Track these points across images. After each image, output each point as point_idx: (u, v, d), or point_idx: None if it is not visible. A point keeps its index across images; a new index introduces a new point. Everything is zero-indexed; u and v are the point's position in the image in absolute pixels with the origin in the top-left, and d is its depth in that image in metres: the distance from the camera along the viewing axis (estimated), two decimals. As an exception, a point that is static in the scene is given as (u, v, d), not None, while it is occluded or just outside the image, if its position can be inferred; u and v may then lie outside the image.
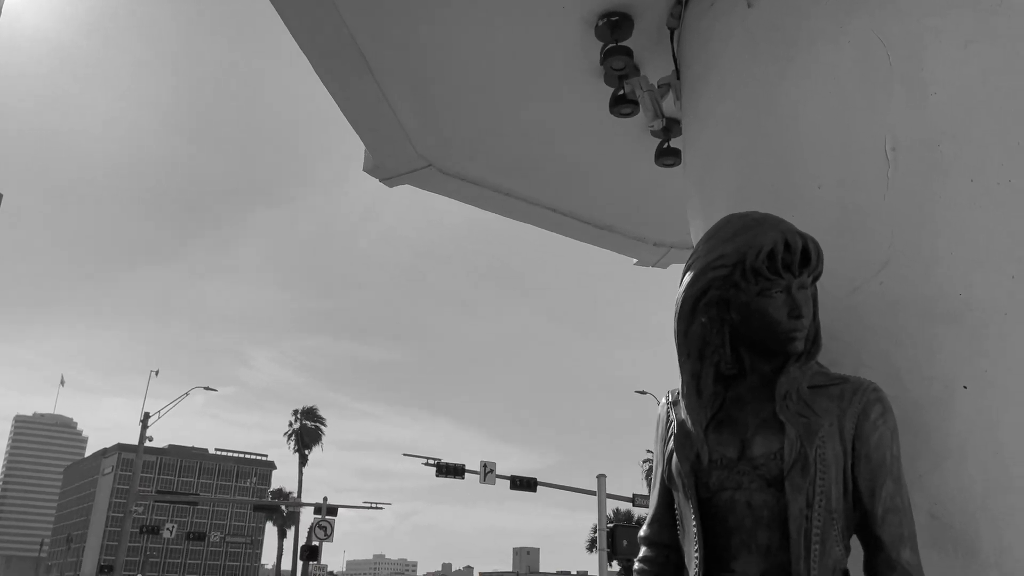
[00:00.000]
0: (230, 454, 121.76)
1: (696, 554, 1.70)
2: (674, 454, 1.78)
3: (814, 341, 1.79)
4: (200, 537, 60.05)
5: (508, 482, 33.72)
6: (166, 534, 48.30)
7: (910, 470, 1.82)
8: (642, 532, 1.90)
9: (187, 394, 37.45)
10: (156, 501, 76.38)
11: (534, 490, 34.85)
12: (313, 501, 37.83)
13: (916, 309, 1.91)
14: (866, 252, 2.02)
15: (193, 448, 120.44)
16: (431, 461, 34.48)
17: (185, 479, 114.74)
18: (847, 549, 1.66)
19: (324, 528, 26.12)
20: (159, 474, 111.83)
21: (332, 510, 31.47)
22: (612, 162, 3.89)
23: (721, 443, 1.73)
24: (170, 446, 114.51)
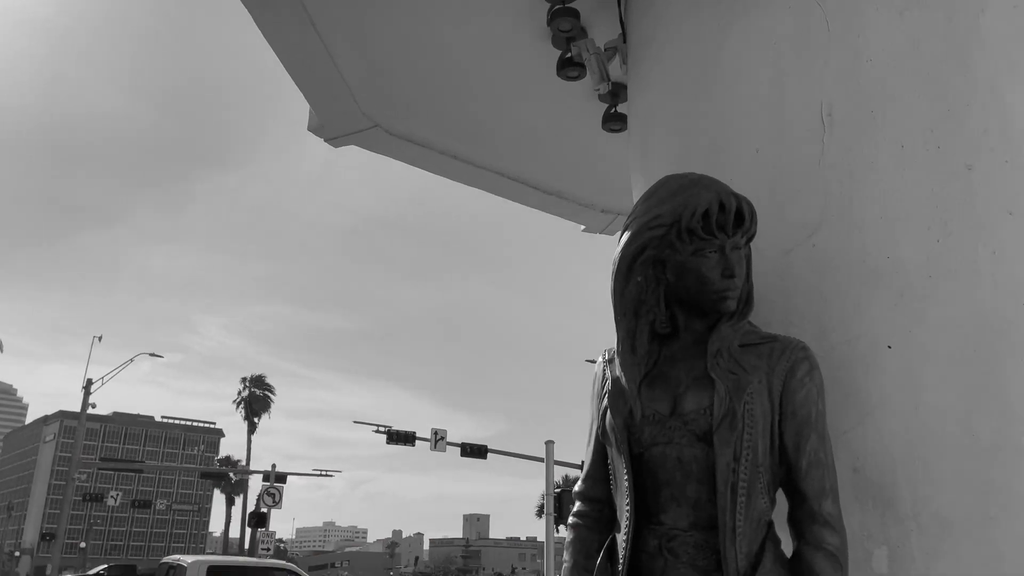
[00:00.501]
0: (177, 422, 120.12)
1: (627, 507, 1.73)
2: (608, 410, 1.81)
3: (746, 301, 1.83)
4: (146, 505, 59.25)
5: (459, 449, 33.93)
6: (110, 502, 47.65)
7: (835, 426, 1.87)
8: (577, 488, 1.93)
9: (132, 360, 36.75)
10: (100, 469, 75.17)
11: (484, 457, 35.13)
12: (262, 469, 37.61)
13: (845, 271, 1.96)
14: (800, 215, 2.06)
15: (139, 416, 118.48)
16: (382, 429, 34.48)
17: (131, 447, 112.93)
18: (772, 502, 1.71)
19: (273, 495, 26.02)
20: (103, 442, 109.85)
21: (281, 477, 31.36)
22: (560, 127, 3.89)
23: (654, 399, 1.76)
24: (115, 413, 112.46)
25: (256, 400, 67.56)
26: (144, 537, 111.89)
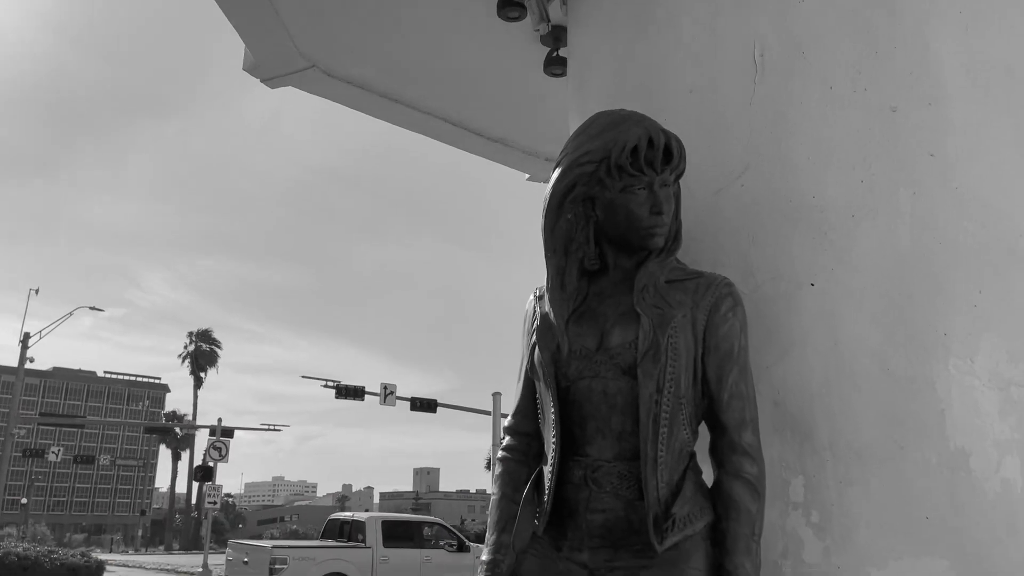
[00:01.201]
0: (121, 377, 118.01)
1: (553, 440, 1.76)
2: (536, 346, 1.83)
3: (674, 238, 1.85)
4: (89, 460, 58.54)
5: (408, 404, 34.04)
6: (52, 457, 46.84)
7: (758, 361, 1.92)
8: (506, 423, 1.95)
9: (71, 314, 35.84)
10: (40, 424, 73.65)
11: (434, 411, 35.28)
12: (208, 424, 37.24)
13: (772, 211, 1.99)
14: (730, 155, 2.08)
15: (80, 371, 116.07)
16: (331, 383, 34.35)
17: (72, 402, 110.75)
18: (694, 433, 1.75)
19: (219, 449, 25.83)
20: (43, 397, 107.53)
21: (227, 432, 31.12)
22: (502, 70, 3.84)
23: (581, 334, 1.78)
24: (55, 368, 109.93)
25: (202, 355, 66.68)
26: (88, 493, 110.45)
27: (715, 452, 1.74)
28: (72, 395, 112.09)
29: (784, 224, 1.97)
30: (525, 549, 1.78)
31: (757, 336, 1.93)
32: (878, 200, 1.93)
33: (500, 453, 1.93)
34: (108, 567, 22.75)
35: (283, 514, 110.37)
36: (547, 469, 1.77)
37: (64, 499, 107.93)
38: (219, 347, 68.45)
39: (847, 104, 2.00)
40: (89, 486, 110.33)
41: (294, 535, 54.89)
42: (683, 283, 1.77)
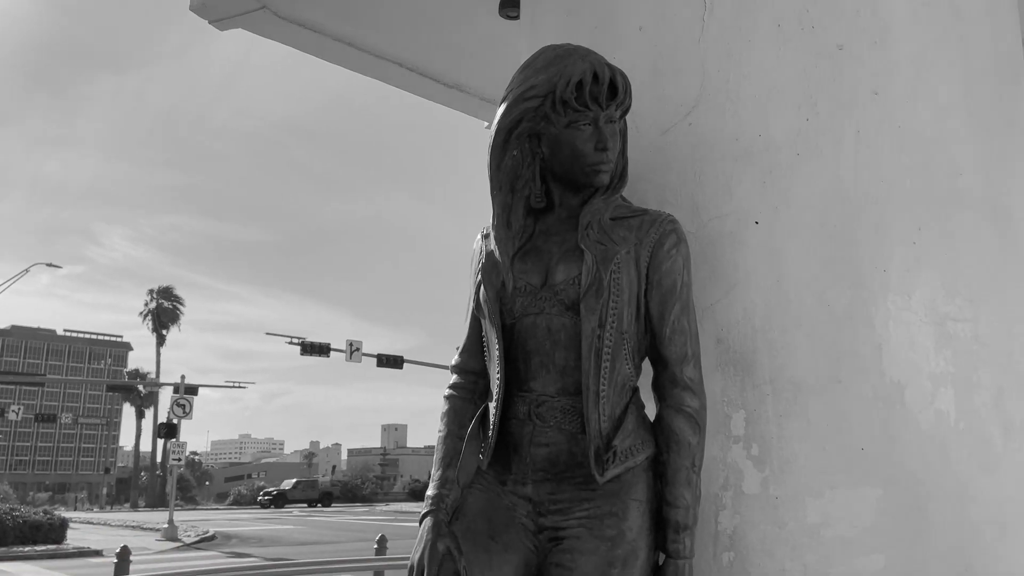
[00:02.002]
0: (81, 335, 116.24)
1: (498, 376, 1.76)
2: (481, 283, 1.82)
3: (621, 176, 1.84)
4: (51, 419, 57.77)
5: (375, 360, 34.06)
6: (12, 416, 46.29)
7: (703, 299, 1.94)
8: (453, 361, 1.95)
9: (27, 271, 35.12)
10: (-1, 383, 72.45)
11: (401, 367, 35.41)
12: (172, 382, 36.92)
13: (719, 149, 1.99)
14: (679, 94, 2.07)
15: (39, 329, 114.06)
16: (295, 340, 34.22)
17: (32, 361, 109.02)
18: (637, 369, 1.76)
19: (183, 406, 25.67)
20: (2, 356, 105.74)
21: (191, 389, 30.90)
22: (457, 13, 3.77)
23: (526, 272, 1.78)
24: (13, 327, 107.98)
25: (164, 312, 65.80)
26: (51, 452, 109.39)
27: (657, 386, 1.76)
28: (31, 354, 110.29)
29: (730, 163, 1.97)
30: (471, 484, 1.80)
31: (702, 274, 1.94)
32: (822, 138, 1.94)
33: (447, 391, 1.94)
34: (72, 524, 22.68)
35: (250, 471, 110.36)
36: (492, 405, 1.78)
37: (27, 458, 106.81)
38: (181, 304, 67.57)
39: (795, 42, 1.99)
40: (52, 445, 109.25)
41: (260, 491, 54.94)
42: (627, 220, 1.77)
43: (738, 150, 1.97)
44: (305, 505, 50.66)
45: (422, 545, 1.71)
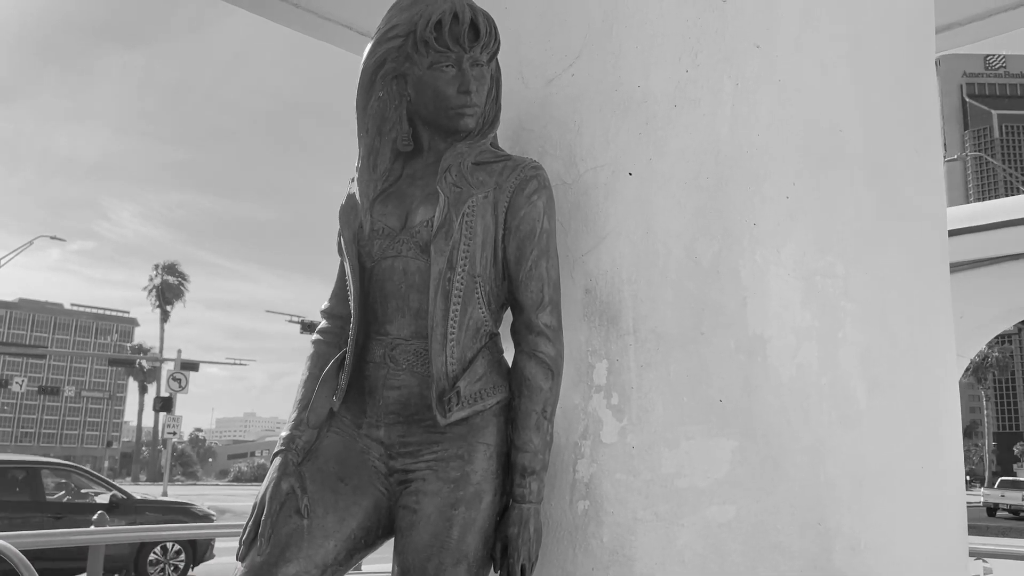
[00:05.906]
0: (88, 310, 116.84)
1: (355, 319, 1.76)
2: (340, 226, 1.81)
3: (492, 122, 1.83)
4: (55, 392, 58.25)
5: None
6: (16, 388, 46.65)
7: (575, 250, 1.93)
8: (322, 306, 1.94)
9: (31, 243, 35.29)
10: (4, 355, 72.96)
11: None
12: (171, 357, 37.12)
13: (599, 100, 1.97)
14: (563, 45, 2.05)
15: (47, 303, 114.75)
16: (295, 319, 34.38)
17: (39, 334, 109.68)
18: (494, 314, 1.76)
19: (179, 380, 25.79)
20: (9, 328, 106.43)
21: (190, 364, 31.04)
22: None
23: (386, 214, 1.77)
24: (21, 300, 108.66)
25: (169, 288, 66.03)
26: (56, 425, 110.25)
27: (514, 332, 1.76)
28: (39, 327, 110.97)
29: (609, 113, 1.96)
30: (329, 427, 1.79)
31: (576, 225, 1.93)
32: (701, 91, 1.92)
33: (314, 336, 1.94)
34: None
35: (253, 449, 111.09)
36: (348, 347, 1.78)
37: (32, 431, 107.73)
38: (186, 280, 67.78)
39: (677, -7, 1.97)
40: (57, 418, 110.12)
41: (262, 468, 55.27)
42: (490, 165, 1.76)
43: (617, 101, 1.95)
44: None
45: (267, 483, 1.71)
